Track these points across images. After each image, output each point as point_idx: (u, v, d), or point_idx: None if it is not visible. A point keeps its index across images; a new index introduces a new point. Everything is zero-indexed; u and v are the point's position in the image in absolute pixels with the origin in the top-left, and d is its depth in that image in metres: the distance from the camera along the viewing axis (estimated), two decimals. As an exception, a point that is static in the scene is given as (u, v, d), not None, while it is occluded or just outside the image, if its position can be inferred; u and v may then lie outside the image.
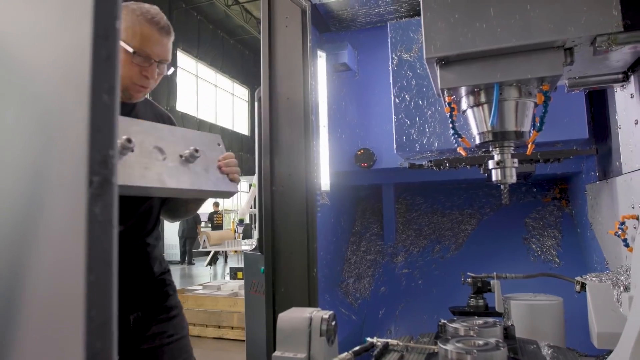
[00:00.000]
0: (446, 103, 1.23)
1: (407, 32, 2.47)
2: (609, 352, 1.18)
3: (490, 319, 1.21)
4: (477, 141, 1.26)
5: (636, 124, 1.45)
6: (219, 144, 1.34)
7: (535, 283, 1.95)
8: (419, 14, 1.17)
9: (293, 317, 1.20)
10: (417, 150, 2.39)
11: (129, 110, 1.38)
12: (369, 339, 1.23)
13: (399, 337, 1.26)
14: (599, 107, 2.18)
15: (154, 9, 1.34)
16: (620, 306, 1.36)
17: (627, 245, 1.47)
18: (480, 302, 1.79)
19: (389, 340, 1.21)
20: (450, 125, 1.26)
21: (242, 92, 19.72)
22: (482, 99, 1.19)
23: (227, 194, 1.31)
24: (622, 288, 1.39)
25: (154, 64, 1.31)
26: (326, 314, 1.16)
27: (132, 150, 1.04)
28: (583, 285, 1.48)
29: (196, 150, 1.18)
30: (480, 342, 0.99)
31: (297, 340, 1.16)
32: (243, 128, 19.47)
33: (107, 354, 0.36)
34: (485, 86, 1.16)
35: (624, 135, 1.62)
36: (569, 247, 2.72)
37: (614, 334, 1.21)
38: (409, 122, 2.39)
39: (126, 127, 1.09)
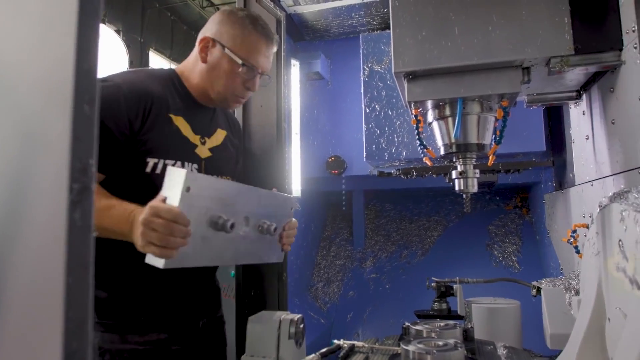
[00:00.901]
0: (413, 115, 1.29)
1: (378, 45, 2.54)
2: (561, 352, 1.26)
3: (452, 322, 1.27)
4: (442, 152, 1.32)
5: (587, 139, 1.55)
6: (292, 209, 1.28)
7: (496, 287, 2.04)
8: (390, 27, 1.22)
9: (262, 320, 1.22)
10: (386, 159, 2.46)
11: (211, 115, 1.34)
12: (335, 341, 1.27)
13: (365, 340, 1.31)
14: (556, 122, 2.30)
15: (260, 18, 1.28)
16: (571, 309, 1.44)
17: (578, 252, 1.56)
18: (444, 305, 1.86)
19: (355, 342, 1.25)
20: (417, 137, 1.32)
21: (215, 94, 19.47)
22: (447, 112, 1.25)
23: (270, 262, 1.26)
24: (573, 292, 1.48)
25: (257, 76, 1.26)
26: (295, 317, 1.19)
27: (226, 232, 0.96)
28: (539, 290, 1.56)
29: (275, 229, 1.15)
30: (440, 343, 1.05)
31: (266, 343, 1.18)
32: (215, 131, 19.21)
33: (83, 354, 0.38)
34: (450, 100, 1.23)
35: (577, 149, 1.72)
36: (529, 253, 2.85)
37: (565, 334, 1.27)
38: (378, 132, 2.45)
39: (234, 196, 1.00)
